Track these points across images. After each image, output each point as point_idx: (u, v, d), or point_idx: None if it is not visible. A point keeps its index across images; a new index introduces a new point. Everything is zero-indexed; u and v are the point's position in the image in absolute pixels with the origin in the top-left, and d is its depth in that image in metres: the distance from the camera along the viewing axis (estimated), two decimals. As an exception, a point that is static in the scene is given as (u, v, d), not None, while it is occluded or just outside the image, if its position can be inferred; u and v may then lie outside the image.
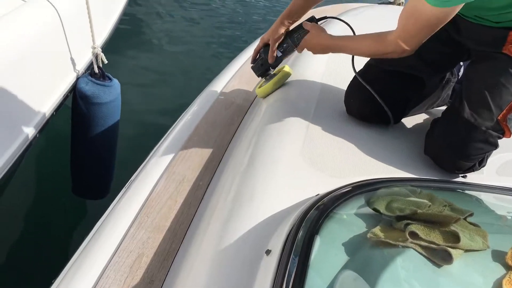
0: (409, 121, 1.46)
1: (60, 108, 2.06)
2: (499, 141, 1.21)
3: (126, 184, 1.25)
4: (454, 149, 1.19)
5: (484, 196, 1.12)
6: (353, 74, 1.40)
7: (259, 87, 1.62)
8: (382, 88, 1.35)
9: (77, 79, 2.10)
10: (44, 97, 1.95)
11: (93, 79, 2.06)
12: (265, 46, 1.52)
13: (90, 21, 2.04)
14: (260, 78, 1.63)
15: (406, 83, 1.37)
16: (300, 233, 0.82)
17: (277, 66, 1.60)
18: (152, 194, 1.17)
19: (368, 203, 0.93)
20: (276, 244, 0.86)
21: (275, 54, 1.50)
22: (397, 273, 0.74)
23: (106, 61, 2.10)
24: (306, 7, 1.48)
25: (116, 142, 2.27)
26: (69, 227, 2.39)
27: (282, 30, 1.47)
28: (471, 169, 1.22)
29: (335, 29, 1.55)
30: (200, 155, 1.33)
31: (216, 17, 5.42)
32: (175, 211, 1.13)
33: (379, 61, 1.37)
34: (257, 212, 1.00)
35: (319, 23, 1.45)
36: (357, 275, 0.75)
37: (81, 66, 2.17)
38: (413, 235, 0.80)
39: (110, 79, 2.10)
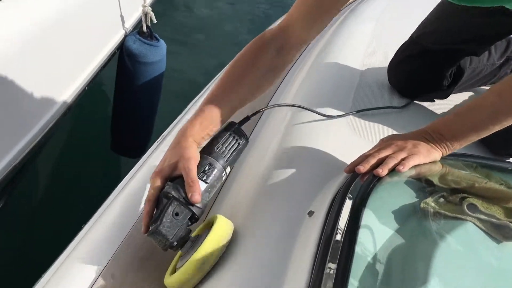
0: (460, 98, 1.36)
1: (107, 65, 2.03)
2: None
3: (157, 141, 1.21)
4: (509, 134, 1.09)
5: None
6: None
7: (172, 272, 0.78)
8: (424, 64, 1.25)
9: (125, 36, 2.06)
10: (93, 53, 1.92)
11: (141, 38, 2.02)
12: (169, 183, 0.79)
13: (141, -21, 2.00)
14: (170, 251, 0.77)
15: (454, 58, 1.27)
16: (348, 197, 0.75)
17: (202, 214, 0.80)
18: None
19: (420, 173, 0.85)
20: (321, 206, 0.80)
21: (198, 188, 0.77)
22: (453, 246, 0.67)
23: (155, 21, 2.05)
24: (240, 102, 0.89)
25: (158, 102, 2.24)
26: (105, 182, 2.38)
27: (195, 148, 0.81)
28: None
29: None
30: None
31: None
32: None
33: (423, 38, 1.26)
34: (297, 174, 0.93)
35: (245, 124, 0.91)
36: (409, 243, 0.68)
37: (130, 24, 2.13)
38: (472, 208, 0.72)
39: (157, 39, 2.07)
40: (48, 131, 1.62)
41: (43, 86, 1.60)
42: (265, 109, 1.03)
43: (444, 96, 1.31)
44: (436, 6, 1.30)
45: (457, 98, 1.35)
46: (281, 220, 0.83)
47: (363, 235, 0.67)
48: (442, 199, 0.77)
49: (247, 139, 0.88)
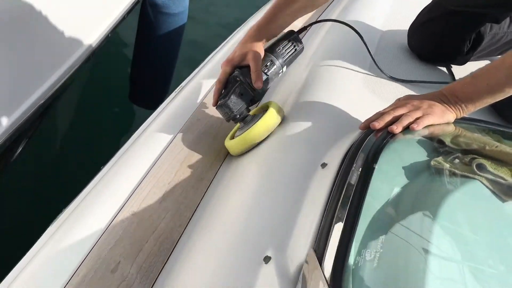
0: (478, 66, 1.36)
1: (129, 14, 2.03)
2: None
3: (176, 89, 1.23)
4: None
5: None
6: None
7: (232, 137, 1.01)
8: (446, 26, 1.25)
9: (149, -14, 2.06)
10: (115, 1, 1.93)
11: (165, -12, 2.02)
12: (238, 69, 0.99)
13: None
14: (232, 122, 1.01)
15: (475, 23, 1.26)
16: (361, 150, 0.78)
17: (261, 98, 1.09)
18: (204, 100, 1.15)
19: (434, 133, 0.87)
20: (334, 158, 0.83)
21: (261, 77, 0.97)
22: (459, 201, 0.70)
23: (179, -29, 2.04)
24: (294, 16, 1.04)
25: (177, 54, 2.25)
26: (121, 130, 2.41)
27: (261, 46, 1.01)
28: None
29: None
30: None
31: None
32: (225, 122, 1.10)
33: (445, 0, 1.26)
34: (313, 126, 0.96)
35: (302, 34, 1.09)
36: (417, 197, 0.71)
37: (154, -27, 2.11)
38: (481, 168, 0.74)
39: (181, -10, 2.06)
40: (71, 75, 1.65)
41: (69, 30, 1.62)
42: (317, 23, 1.15)
43: (462, 62, 1.31)
44: None
45: (474, 67, 1.34)
46: (297, 168, 0.86)
47: (373, 189, 0.70)
48: (452, 159, 0.79)
49: (302, 45, 1.05)
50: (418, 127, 0.82)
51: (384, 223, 0.66)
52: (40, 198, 1.90)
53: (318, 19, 1.10)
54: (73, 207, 0.87)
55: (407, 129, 0.83)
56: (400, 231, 0.65)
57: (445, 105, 0.87)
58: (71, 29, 1.64)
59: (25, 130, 1.48)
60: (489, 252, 0.64)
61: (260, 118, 0.96)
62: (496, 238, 0.66)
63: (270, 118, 0.97)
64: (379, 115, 0.87)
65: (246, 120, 0.98)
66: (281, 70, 1.02)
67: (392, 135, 0.81)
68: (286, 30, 1.06)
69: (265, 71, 0.99)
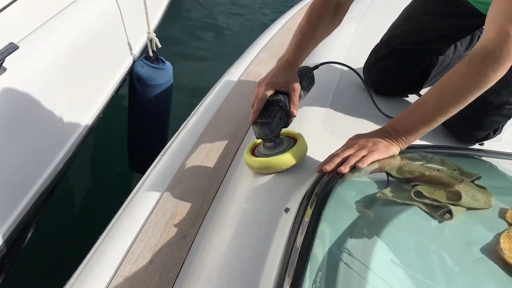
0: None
1: (119, 90, 2.17)
2: None
3: (160, 153, 1.34)
4: (469, 122, 1.18)
5: (500, 162, 1.12)
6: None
7: (253, 150, 1.11)
8: (396, 63, 1.35)
9: (134, 62, 2.20)
10: (105, 80, 2.06)
11: (148, 63, 2.16)
12: (280, 95, 1.08)
13: (146, 8, 2.14)
14: (259, 140, 1.08)
15: (422, 57, 1.36)
16: (315, 193, 0.86)
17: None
18: (185, 162, 1.24)
19: (381, 167, 0.96)
20: (294, 203, 0.91)
21: (297, 107, 1.11)
22: (399, 227, 0.78)
23: (160, 45, 2.19)
24: (316, 44, 1.19)
25: (169, 119, 2.37)
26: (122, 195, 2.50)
27: (297, 77, 1.12)
28: (486, 138, 1.21)
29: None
30: (228, 126, 1.39)
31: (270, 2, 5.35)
32: (205, 176, 1.19)
33: (392, 39, 1.37)
34: (280, 175, 1.05)
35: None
36: (363, 227, 0.79)
37: (137, 50, 2.26)
38: (418, 194, 0.82)
39: (163, 62, 2.20)
40: (73, 153, 1.77)
41: (68, 113, 1.75)
42: (326, 63, 1.30)
43: (416, 91, 1.40)
44: (403, 10, 1.40)
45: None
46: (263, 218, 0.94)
47: (323, 226, 0.78)
48: (397, 188, 0.87)
49: (314, 81, 1.23)
50: (363, 164, 0.90)
51: (334, 255, 0.74)
52: (50, 272, 1.99)
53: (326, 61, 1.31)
54: (73, 281, 0.96)
55: (354, 167, 0.91)
56: (346, 258, 0.73)
57: (388, 140, 0.96)
58: (68, 112, 1.76)
59: (34, 215, 1.59)
60: (428, 272, 0.71)
61: (290, 147, 1.05)
62: (431, 258, 0.73)
63: (301, 150, 1.05)
64: (331, 158, 0.95)
65: (276, 142, 1.05)
66: (302, 99, 1.16)
67: (342, 175, 0.90)
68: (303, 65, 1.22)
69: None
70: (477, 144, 1.23)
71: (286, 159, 1.02)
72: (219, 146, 1.31)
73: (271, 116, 1.02)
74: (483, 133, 1.20)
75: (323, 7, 1.14)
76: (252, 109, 1.06)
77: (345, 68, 1.37)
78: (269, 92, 1.07)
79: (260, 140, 1.08)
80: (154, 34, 2.19)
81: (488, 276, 0.73)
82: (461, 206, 0.79)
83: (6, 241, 1.42)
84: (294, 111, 1.08)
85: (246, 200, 1.01)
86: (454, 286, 0.71)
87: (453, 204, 0.79)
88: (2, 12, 1.52)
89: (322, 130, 1.23)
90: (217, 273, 0.86)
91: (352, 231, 0.78)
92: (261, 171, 1.05)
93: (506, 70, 0.89)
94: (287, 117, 1.08)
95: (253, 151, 1.10)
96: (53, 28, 1.75)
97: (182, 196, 1.14)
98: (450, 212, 0.78)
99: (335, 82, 1.43)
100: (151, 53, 2.18)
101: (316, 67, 1.26)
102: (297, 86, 1.09)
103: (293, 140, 1.08)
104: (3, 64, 1.44)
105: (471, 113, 1.13)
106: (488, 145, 1.23)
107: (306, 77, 1.17)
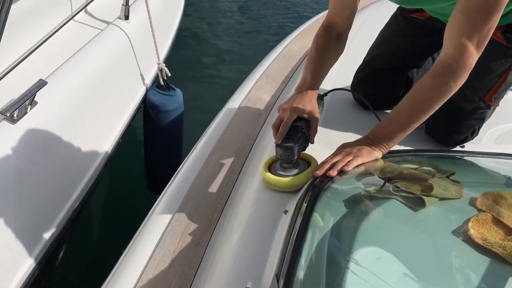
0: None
1: (134, 117, 2.33)
2: (499, 112, 1.32)
3: (174, 174, 1.48)
4: (446, 127, 1.30)
5: (481, 161, 1.23)
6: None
7: (269, 166, 1.19)
8: (378, 81, 1.48)
9: (147, 91, 2.37)
10: (122, 109, 2.23)
11: (160, 91, 2.32)
12: (302, 121, 1.16)
13: (155, 41, 2.31)
14: (279, 160, 1.16)
15: (401, 73, 1.48)
16: (308, 193, 0.99)
17: None
18: (196, 179, 1.38)
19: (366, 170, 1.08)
20: (292, 206, 1.04)
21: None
22: (380, 217, 0.90)
23: (169, 74, 2.36)
24: (328, 69, 1.29)
25: (182, 142, 2.52)
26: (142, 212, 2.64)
27: (316, 103, 1.22)
28: (465, 140, 1.33)
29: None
30: (233, 146, 1.53)
31: (266, 29, 5.56)
32: (215, 190, 1.33)
33: (372, 61, 1.50)
34: None
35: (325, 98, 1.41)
36: (350, 220, 0.91)
37: (149, 80, 2.43)
38: (396, 189, 0.95)
39: (173, 89, 2.36)
40: (96, 177, 1.92)
41: (90, 140, 1.92)
42: (334, 90, 1.49)
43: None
44: (379, 33, 1.54)
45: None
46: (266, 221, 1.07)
47: (315, 220, 0.90)
48: (378, 187, 1.00)
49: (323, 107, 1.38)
50: (348, 168, 1.03)
51: (324, 244, 0.86)
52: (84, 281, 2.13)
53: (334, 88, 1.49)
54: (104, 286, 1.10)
55: (342, 171, 1.04)
56: (335, 250, 0.85)
57: (371, 146, 1.09)
58: (89, 140, 1.92)
59: (65, 235, 1.73)
60: (406, 253, 0.83)
61: (305, 169, 1.14)
62: (409, 242, 0.85)
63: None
64: (321, 164, 1.08)
65: (294, 164, 1.14)
66: None
67: (331, 178, 1.02)
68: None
69: None
70: (458, 146, 1.35)
71: (300, 182, 1.11)
72: (226, 164, 1.45)
73: (295, 141, 1.11)
74: (461, 136, 1.32)
75: (327, 39, 1.27)
76: (273, 129, 1.16)
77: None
78: (293, 118, 1.15)
79: (274, 156, 1.17)
80: (164, 64, 2.36)
81: (459, 253, 0.84)
82: (433, 196, 0.91)
83: (39, 263, 1.56)
84: (313, 138, 1.19)
85: (250, 208, 1.15)
86: (428, 264, 0.82)
87: (425, 195, 0.91)
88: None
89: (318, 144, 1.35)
90: (227, 271, 0.99)
91: (340, 223, 0.90)
92: (276, 188, 1.14)
93: (465, 79, 1.01)
94: (306, 143, 1.18)
95: (269, 167, 1.18)
96: (74, 65, 1.94)
97: (195, 209, 1.27)
98: (423, 202, 0.90)
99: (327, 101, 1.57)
100: (162, 82, 2.34)
101: (326, 94, 1.42)
102: (317, 114, 1.18)
103: (307, 163, 1.18)
104: (35, 98, 1.61)
105: (449, 119, 1.27)
106: (469, 146, 1.35)
107: (321, 105, 1.32)
